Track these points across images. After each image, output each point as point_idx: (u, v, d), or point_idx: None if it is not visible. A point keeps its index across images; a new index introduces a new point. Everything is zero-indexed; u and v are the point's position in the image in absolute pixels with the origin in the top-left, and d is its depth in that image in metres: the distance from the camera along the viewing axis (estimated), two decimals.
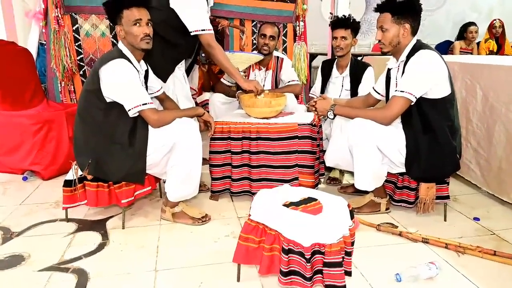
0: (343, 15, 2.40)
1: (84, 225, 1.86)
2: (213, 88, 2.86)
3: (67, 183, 1.81)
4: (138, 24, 1.67)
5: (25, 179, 2.43)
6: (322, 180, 2.37)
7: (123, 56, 1.68)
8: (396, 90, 1.76)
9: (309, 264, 1.25)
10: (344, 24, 2.34)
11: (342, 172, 2.49)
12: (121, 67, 1.64)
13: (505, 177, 2.04)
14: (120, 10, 1.66)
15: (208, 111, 2.63)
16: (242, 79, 2.11)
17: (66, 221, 1.88)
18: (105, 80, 1.65)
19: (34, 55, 3.59)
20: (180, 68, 2.30)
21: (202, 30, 2.02)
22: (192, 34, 2.01)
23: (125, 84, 1.65)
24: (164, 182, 1.90)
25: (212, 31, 2.06)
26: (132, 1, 1.66)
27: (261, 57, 2.43)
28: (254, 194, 2.08)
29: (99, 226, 1.85)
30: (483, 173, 2.21)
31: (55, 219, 1.92)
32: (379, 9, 1.81)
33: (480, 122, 2.23)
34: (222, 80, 2.75)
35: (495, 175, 2.11)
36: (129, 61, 1.69)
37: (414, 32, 1.77)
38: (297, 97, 2.77)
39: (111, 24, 1.77)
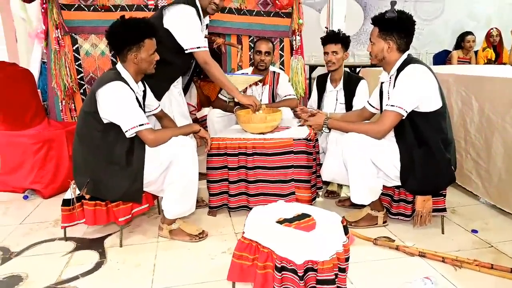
0: (332, 30, 2.45)
1: (82, 244, 1.87)
2: (212, 104, 2.90)
3: (66, 202, 1.83)
4: (154, 53, 1.78)
5: (26, 197, 2.46)
6: (320, 193, 2.37)
7: (120, 78, 1.72)
8: (387, 105, 1.78)
9: (302, 281, 1.26)
10: (334, 39, 2.38)
11: (340, 185, 2.49)
12: (118, 89, 1.68)
13: (505, 187, 2.03)
14: (142, 39, 1.73)
15: (206, 127, 2.67)
16: (240, 94, 2.15)
17: (65, 240, 1.90)
18: (102, 102, 1.68)
19: (37, 73, 3.67)
20: (176, 86, 2.34)
21: (197, 47, 2.06)
22: (187, 52, 2.05)
23: (121, 105, 1.68)
24: (162, 198, 1.92)
25: (207, 49, 2.11)
26: (152, 32, 1.78)
27: (260, 77, 2.46)
28: (251, 209, 2.07)
29: (97, 244, 1.86)
30: (484, 183, 2.20)
31: (53, 238, 1.94)
32: (372, 21, 1.87)
33: (478, 133, 2.23)
34: (219, 96, 2.78)
35: (496, 186, 2.10)
36: (126, 83, 1.73)
37: (401, 49, 1.80)
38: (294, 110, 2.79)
39: (114, 47, 1.81)
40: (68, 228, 1.90)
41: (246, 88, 2.62)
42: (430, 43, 6.57)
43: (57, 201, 2.38)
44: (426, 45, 6.57)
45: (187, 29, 2.08)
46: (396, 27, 1.77)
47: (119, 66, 1.79)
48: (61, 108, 2.94)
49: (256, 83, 2.68)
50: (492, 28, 4.45)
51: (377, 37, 1.81)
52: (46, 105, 3.04)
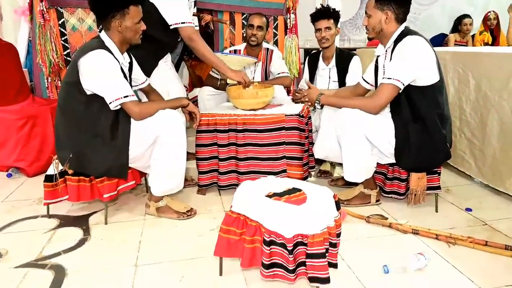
0: (322, 5, 2.36)
1: (66, 221, 1.81)
2: (204, 81, 2.81)
3: (48, 178, 1.77)
4: (140, 22, 1.69)
5: (9, 176, 2.38)
6: (312, 173, 2.32)
7: (104, 47, 1.63)
8: (383, 78, 1.72)
9: (292, 256, 1.21)
10: (326, 14, 2.30)
11: (333, 164, 2.44)
12: (101, 58, 1.60)
13: (499, 166, 1.99)
14: (127, 5, 1.63)
15: (197, 106, 2.59)
16: (229, 70, 2.07)
17: (48, 217, 1.84)
18: (84, 72, 1.60)
19: (24, 52, 3.53)
20: (166, 62, 2.25)
21: (181, 23, 1.99)
22: (171, 27, 1.97)
23: (105, 75, 1.60)
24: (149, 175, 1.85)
25: (193, 24, 2.03)
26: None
27: (254, 60, 2.39)
28: None
29: (81, 221, 1.80)
30: (478, 163, 2.16)
31: (36, 215, 1.87)
32: None
33: (473, 112, 2.18)
34: (211, 73, 2.70)
35: (490, 165, 2.06)
36: (111, 52, 1.64)
37: (399, 19, 1.73)
38: (287, 89, 2.72)
39: (96, 12, 1.71)
40: (52, 206, 1.84)
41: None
42: (427, 29, 6.48)
43: (41, 180, 2.26)
44: (423, 31, 6.43)
45: (171, 3, 2.00)
46: None
47: (102, 35, 1.70)
48: (46, 85, 2.84)
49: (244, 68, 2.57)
50: (489, 11, 4.38)
51: (374, 8, 1.74)
52: (33, 84, 2.93)
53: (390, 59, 1.73)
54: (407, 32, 1.71)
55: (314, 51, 2.59)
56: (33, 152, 2.36)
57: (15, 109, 2.39)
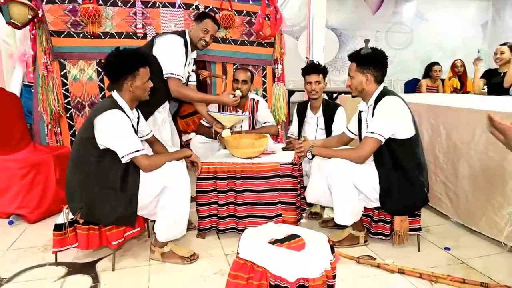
0: (312, 61, 2.64)
1: (74, 269, 1.88)
2: (196, 130, 2.98)
3: (58, 227, 1.85)
4: (148, 80, 1.89)
5: (11, 223, 2.42)
6: (304, 215, 2.48)
7: (117, 106, 1.80)
8: (367, 132, 1.95)
9: None
10: (317, 70, 2.57)
11: (322, 206, 2.61)
12: (114, 116, 1.76)
13: (472, 208, 2.22)
14: (137, 68, 1.83)
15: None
16: (219, 97, 2.42)
17: (56, 265, 1.90)
18: (99, 129, 1.75)
19: (18, 95, 3.65)
20: (161, 112, 2.44)
21: (171, 74, 2.26)
22: (165, 77, 2.21)
23: (118, 133, 1.75)
24: (152, 222, 1.96)
25: (181, 77, 2.30)
26: (146, 61, 1.89)
27: (245, 116, 2.63)
28: (240, 231, 2.17)
29: (89, 268, 1.88)
30: (453, 204, 2.39)
31: (44, 263, 1.93)
32: (349, 58, 2.05)
33: (446, 158, 2.43)
34: (202, 122, 2.87)
35: (464, 207, 2.29)
36: (123, 110, 1.81)
37: (377, 80, 1.99)
38: (276, 136, 2.91)
39: (110, 77, 1.90)
40: (58, 253, 1.91)
41: (233, 125, 2.72)
42: (401, 71, 7.04)
43: (43, 226, 2.38)
44: (397, 73, 7.03)
45: (168, 55, 2.26)
46: (372, 62, 1.97)
47: (115, 94, 1.87)
48: (46, 132, 2.95)
49: (236, 110, 2.77)
50: (456, 60, 4.84)
51: (356, 71, 1.99)
52: (30, 127, 3.03)
53: (372, 115, 1.97)
54: (385, 92, 1.97)
55: (302, 101, 2.84)
56: (35, 199, 2.43)
57: (19, 158, 2.48)
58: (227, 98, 2.42)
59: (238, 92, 2.47)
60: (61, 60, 2.97)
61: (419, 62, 7.36)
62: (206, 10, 3.20)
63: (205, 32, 2.36)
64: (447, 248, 2.07)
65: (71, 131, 3.04)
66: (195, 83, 2.73)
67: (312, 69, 2.57)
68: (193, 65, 2.62)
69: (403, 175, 1.92)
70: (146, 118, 2.28)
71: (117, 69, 1.83)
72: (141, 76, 1.85)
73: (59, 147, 2.85)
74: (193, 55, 2.49)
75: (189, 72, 2.55)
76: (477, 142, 2.17)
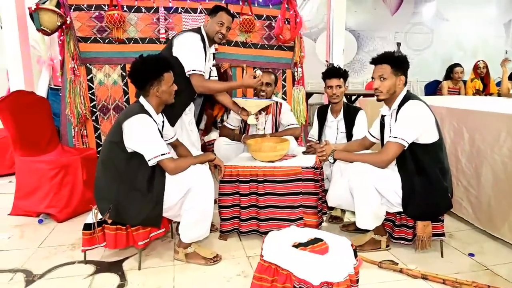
0: (333, 65, 2.65)
1: (101, 267, 1.95)
2: (219, 132, 3.03)
3: (87, 227, 1.92)
4: (173, 84, 1.94)
5: (40, 221, 2.53)
6: (324, 218, 2.49)
7: (144, 111, 1.86)
8: (390, 136, 1.95)
9: None
10: (338, 74, 2.57)
11: (343, 210, 2.62)
12: (142, 121, 1.82)
13: (494, 214, 2.18)
14: (161, 73, 1.89)
15: (213, 150, 2.81)
16: (240, 82, 2.46)
17: (84, 263, 1.98)
18: (128, 133, 1.82)
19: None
20: (188, 114, 2.51)
21: (193, 70, 2.28)
22: (187, 74, 2.26)
23: (146, 136, 1.82)
24: (175, 223, 2.01)
25: (202, 72, 2.32)
26: (169, 65, 1.95)
27: (271, 102, 2.62)
28: (262, 233, 2.20)
29: (116, 267, 1.95)
30: (475, 210, 2.35)
31: (73, 261, 2.01)
32: (379, 61, 2.00)
33: (468, 162, 2.40)
34: (225, 124, 2.93)
35: (486, 212, 2.25)
36: (150, 115, 1.87)
37: (405, 83, 2.00)
38: (296, 138, 2.94)
39: (136, 84, 1.96)
40: (87, 252, 1.98)
41: (258, 112, 2.75)
42: (421, 72, 6.94)
43: (71, 225, 2.48)
44: (417, 74, 6.94)
45: (187, 53, 2.30)
46: (405, 64, 1.98)
47: (142, 100, 1.94)
48: (73, 134, 3.06)
49: (260, 112, 2.82)
50: (479, 61, 4.73)
51: (391, 73, 1.96)
52: (57, 129, 3.15)
53: (395, 120, 1.97)
54: (409, 96, 1.97)
55: (323, 105, 2.85)
56: (64, 199, 2.53)
57: (49, 159, 2.59)
58: (249, 80, 2.41)
59: (259, 72, 2.45)
60: (88, 65, 3.07)
61: (439, 63, 7.23)
62: None
63: (221, 24, 2.37)
64: (471, 254, 2.05)
65: (96, 134, 3.14)
66: (217, 77, 2.78)
67: (333, 73, 2.58)
68: (213, 59, 2.65)
69: (426, 179, 1.91)
70: (175, 122, 2.36)
71: (143, 76, 1.89)
72: (166, 81, 1.91)
73: (86, 149, 2.95)
74: (212, 49, 2.52)
75: (210, 68, 2.59)
76: (502, 146, 2.13)
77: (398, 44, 1.95)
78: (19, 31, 3.18)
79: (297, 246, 1.53)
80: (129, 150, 1.84)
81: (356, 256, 1.53)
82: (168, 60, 1.98)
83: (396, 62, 1.97)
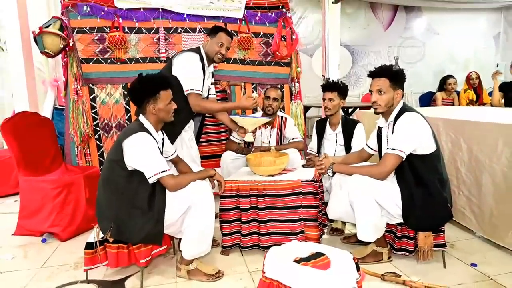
0: (331, 80, 2.72)
1: (104, 286, 1.95)
2: (226, 146, 3.06)
3: (89, 246, 1.93)
4: (170, 102, 1.97)
5: (44, 241, 2.54)
6: (325, 230, 2.50)
7: (144, 129, 1.90)
8: (388, 148, 1.97)
9: None
10: (331, 87, 2.64)
11: (344, 222, 2.62)
12: (142, 139, 1.85)
13: (497, 222, 2.19)
14: (158, 91, 1.92)
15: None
16: (238, 103, 2.48)
17: (87, 282, 1.98)
18: (128, 151, 1.85)
19: (49, 118, 3.85)
20: (187, 131, 2.54)
21: (191, 90, 2.33)
22: (185, 94, 2.30)
23: (146, 154, 1.84)
24: (177, 239, 2.02)
25: (200, 92, 2.37)
26: (167, 84, 1.97)
27: (268, 119, 2.68)
28: (263, 247, 2.20)
29: (118, 286, 1.95)
30: (477, 219, 2.35)
31: (75, 281, 2.01)
32: (377, 75, 2.02)
33: (468, 172, 2.42)
34: (231, 137, 2.97)
35: (488, 221, 2.26)
36: (149, 133, 1.90)
37: (402, 96, 2.04)
38: (300, 151, 2.98)
39: (134, 102, 2.00)
40: (89, 271, 1.98)
41: (256, 129, 2.81)
42: (414, 84, 7.09)
43: (74, 244, 2.48)
44: (411, 86, 7.08)
45: (186, 72, 2.35)
46: (402, 78, 2.03)
47: (141, 118, 1.98)
48: (76, 153, 3.09)
49: (265, 126, 2.89)
50: (471, 72, 4.81)
51: (389, 87, 1.99)
52: (61, 148, 3.19)
53: (392, 131, 2.00)
54: (405, 109, 2.00)
55: (322, 118, 2.90)
56: (67, 218, 2.54)
57: (52, 178, 2.61)
58: (245, 101, 2.45)
59: (255, 95, 2.51)
60: (90, 85, 3.13)
61: (432, 75, 7.39)
62: None
63: (220, 45, 2.43)
64: (473, 264, 2.04)
65: (99, 152, 3.17)
66: (215, 96, 2.84)
67: (327, 87, 2.67)
68: (212, 78, 2.71)
69: (425, 190, 1.93)
70: (174, 139, 2.39)
71: (139, 93, 1.94)
72: (162, 99, 1.93)
73: (89, 168, 2.98)
74: (211, 68, 2.59)
75: (209, 86, 2.64)
76: (500, 156, 2.16)
77: (396, 59, 1.98)
78: (23, 54, 3.26)
79: (298, 261, 1.54)
80: (129, 168, 1.87)
81: (358, 270, 1.54)
82: (166, 78, 2.02)
83: (395, 76, 2.01)
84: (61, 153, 3.04)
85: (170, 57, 3.20)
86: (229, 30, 2.59)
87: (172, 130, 2.30)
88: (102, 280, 2.01)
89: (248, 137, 2.51)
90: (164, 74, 2.15)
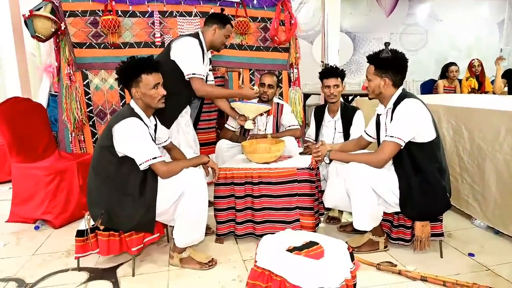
0: (330, 65, 2.63)
1: (95, 274, 1.92)
2: (221, 134, 3.02)
3: (80, 233, 1.90)
4: (156, 88, 1.87)
5: (37, 228, 2.51)
6: (322, 219, 2.46)
7: (134, 114, 1.84)
8: (386, 135, 1.92)
9: None
10: (335, 73, 2.56)
11: (340, 211, 2.59)
12: (132, 125, 1.79)
13: (501, 211, 2.14)
14: (138, 75, 1.84)
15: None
16: (241, 91, 2.49)
17: (78, 270, 1.95)
18: (118, 137, 1.79)
19: (45, 105, 3.80)
20: (184, 116, 2.49)
21: (193, 74, 2.28)
22: (186, 78, 2.25)
23: (136, 140, 1.79)
24: (171, 227, 1.99)
25: (202, 76, 2.32)
26: (151, 67, 1.86)
27: (269, 107, 2.62)
28: (258, 236, 2.17)
29: (109, 274, 1.92)
30: (482, 207, 2.30)
31: (67, 268, 1.99)
32: (367, 60, 2.02)
33: (471, 160, 2.36)
34: (226, 126, 2.91)
35: (492, 209, 2.21)
36: (140, 118, 1.85)
37: (396, 84, 1.95)
38: (297, 139, 2.93)
39: (121, 84, 1.94)
40: (80, 258, 1.96)
41: (256, 116, 2.74)
42: (416, 72, 6.97)
43: (67, 231, 2.45)
44: (412, 74, 6.98)
45: (186, 57, 2.29)
46: (391, 65, 1.94)
47: (132, 103, 1.92)
48: (70, 140, 3.04)
49: (261, 113, 2.83)
50: (473, 59, 4.70)
51: (374, 75, 1.97)
52: (55, 135, 3.14)
53: (391, 119, 1.94)
54: (404, 95, 1.93)
55: (320, 105, 2.83)
56: (60, 205, 2.51)
57: (44, 165, 2.57)
58: (247, 90, 2.49)
59: (256, 88, 2.53)
60: (84, 70, 3.06)
61: (435, 63, 7.27)
62: None
63: (227, 37, 2.45)
64: (471, 254, 2.01)
65: (94, 138, 3.12)
66: (213, 82, 2.78)
67: (330, 73, 2.57)
68: (210, 64, 2.65)
69: (423, 179, 1.88)
70: (170, 124, 2.35)
71: (122, 76, 1.88)
72: (144, 83, 1.84)
73: (82, 154, 2.94)
74: (209, 54, 2.53)
75: (207, 72, 2.59)
76: (502, 143, 2.10)
77: (387, 44, 1.89)
78: (14, 38, 3.18)
79: (291, 250, 1.49)
80: (119, 155, 1.82)
81: (353, 259, 1.50)
82: (151, 62, 1.90)
83: (379, 63, 1.94)
84: (54, 140, 2.99)
85: (165, 41, 3.15)
86: (228, 16, 2.52)
87: (168, 115, 2.25)
88: (94, 268, 1.99)
89: (248, 125, 2.47)
90: (151, 58, 2.06)
